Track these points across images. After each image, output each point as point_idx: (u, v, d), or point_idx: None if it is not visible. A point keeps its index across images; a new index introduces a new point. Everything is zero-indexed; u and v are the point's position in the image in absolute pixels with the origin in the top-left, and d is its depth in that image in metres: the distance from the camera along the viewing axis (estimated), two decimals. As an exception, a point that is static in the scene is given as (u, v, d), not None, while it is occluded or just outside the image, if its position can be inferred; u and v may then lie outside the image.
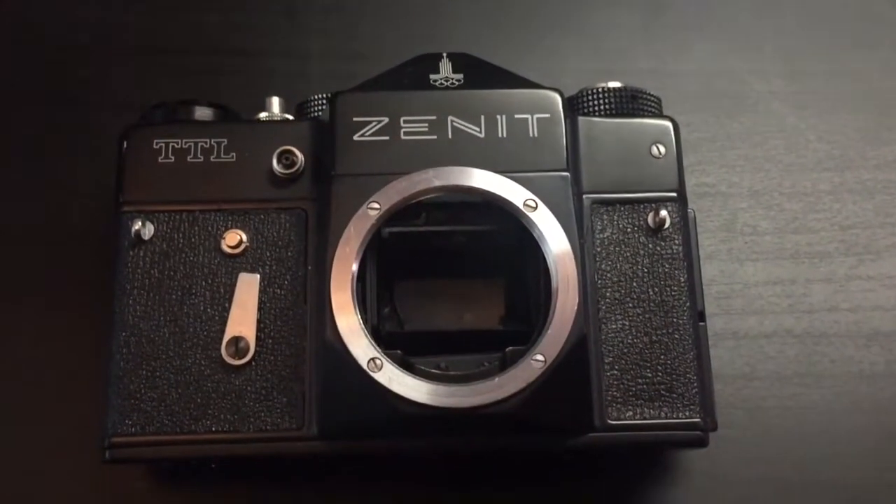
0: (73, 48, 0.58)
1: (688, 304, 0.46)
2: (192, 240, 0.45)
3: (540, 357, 0.42)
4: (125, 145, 0.47)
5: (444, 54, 0.47)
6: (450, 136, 0.45)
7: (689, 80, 0.59)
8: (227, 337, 0.44)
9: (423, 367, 0.43)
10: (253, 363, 0.44)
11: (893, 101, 0.59)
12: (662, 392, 0.45)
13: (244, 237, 0.45)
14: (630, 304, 0.45)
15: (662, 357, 0.45)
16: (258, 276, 0.45)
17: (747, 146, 0.57)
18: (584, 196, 0.46)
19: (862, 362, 0.53)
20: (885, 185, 0.57)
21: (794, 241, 0.55)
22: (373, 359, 0.42)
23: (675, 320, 0.45)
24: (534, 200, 0.44)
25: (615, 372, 0.45)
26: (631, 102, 0.49)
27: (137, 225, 0.45)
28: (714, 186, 0.56)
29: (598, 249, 0.46)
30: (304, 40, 0.58)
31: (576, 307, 0.42)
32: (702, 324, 0.46)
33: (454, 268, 0.46)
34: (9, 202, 0.54)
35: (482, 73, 0.47)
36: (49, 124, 0.55)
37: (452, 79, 0.47)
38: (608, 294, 0.45)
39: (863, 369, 0.52)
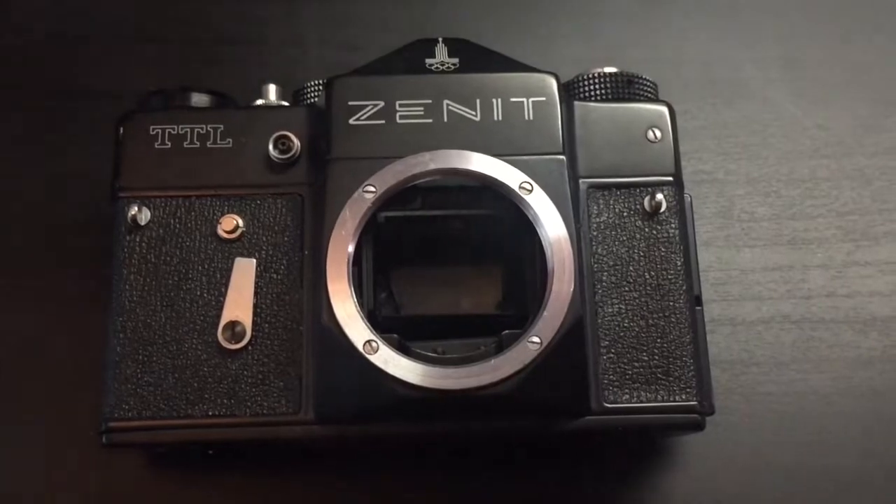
0: (70, 36, 0.58)
1: (684, 287, 0.46)
2: (189, 225, 0.46)
3: (536, 339, 0.42)
4: (122, 131, 0.47)
5: (440, 39, 0.47)
6: (445, 119, 0.45)
7: (687, 68, 0.58)
8: (223, 321, 0.44)
9: (419, 350, 0.43)
10: (249, 347, 0.44)
11: (891, 88, 0.59)
12: (659, 375, 0.44)
13: (240, 222, 0.45)
14: (626, 288, 0.45)
15: (659, 340, 0.45)
16: (254, 260, 0.45)
17: (745, 133, 0.57)
18: (581, 180, 0.46)
19: (859, 348, 0.53)
20: (883, 172, 0.57)
21: (791, 227, 0.55)
22: (368, 341, 0.42)
23: (671, 304, 0.45)
24: (529, 183, 0.44)
25: (611, 355, 0.45)
26: (627, 87, 0.49)
27: (134, 210, 0.45)
28: (711, 174, 0.56)
29: (595, 233, 0.46)
30: (301, 28, 0.58)
31: (571, 290, 0.42)
32: (698, 308, 0.46)
33: (450, 252, 0.46)
34: (6, 189, 0.54)
35: (477, 58, 0.47)
36: (47, 112, 0.55)
37: (448, 63, 0.47)
38: (604, 278, 0.45)
39: (860, 355, 0.52)
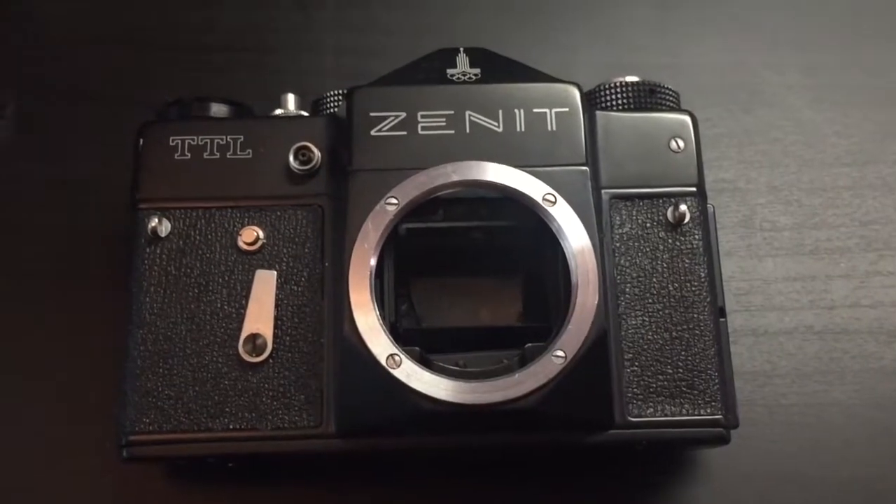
0: (88, 45, 0.58)
1: (708, 299, 0.45)
2: (209, 237, 0.45)
3: (560, 353, 0.41)
4: (141, 142, 0.47)
5: (462, 49, 0.47)
6: (467, 130, 0.45)
7: (706, 74, 0.58)
8: (244, 334, 0.44)
9: (441, 364, 0.42)
10: (270, 360, 0.44)
11: (912, 95, 0.58)
12: (683, 389, 0.44)
13: (261, 234, 0.45)
14: (650, 300, 0.45)
15: (683, 353, 0.45)
16: (275, 272, 0.45)
17: (765, 141, 0.57)
18: (603, 191, 0.46)
19: (883, 359, 0.52)
20: (905, 180, 0.56)
21: (813, 236, 0.55)
22: (391, 355, 0.41)
23: (695, 316, 0.45)
24: (553, 195, 0.44)
25: (635, 368, 0.44)
26: (649, 96, 0.49)
27: (154, 222, 0.45)
28: (732, 182, 0.56)
29: (618, 245, 0.46)
30: (318, 36, 0.58)
31: (596, 303, 0.42)
32: (722, 320, 0.46)
33: (472, 264, 0.46)
34: (26, 199, 0.54)
35: (499, 68, 0.47)
36: (65, 122, 0.55)
37: (470, 73, 0.47)
38: (628, 290, 0.45)
39: (884, 366, 0.52)
